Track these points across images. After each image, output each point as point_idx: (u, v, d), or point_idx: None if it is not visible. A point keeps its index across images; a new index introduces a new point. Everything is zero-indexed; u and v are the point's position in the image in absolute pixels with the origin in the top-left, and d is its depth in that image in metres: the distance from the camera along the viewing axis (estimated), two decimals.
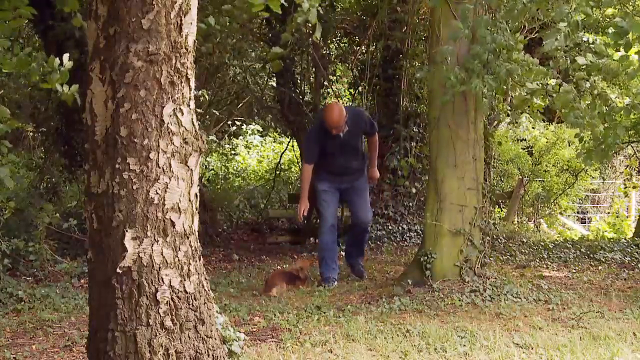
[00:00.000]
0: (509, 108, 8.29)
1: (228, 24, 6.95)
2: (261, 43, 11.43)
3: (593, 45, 5.77)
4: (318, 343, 4.76)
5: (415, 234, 9.90)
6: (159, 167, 3.35)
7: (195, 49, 3.53)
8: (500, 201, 12.13)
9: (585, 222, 15.48)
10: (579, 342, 4.75)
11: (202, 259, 3.57)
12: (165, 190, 3.37)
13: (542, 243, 9.53)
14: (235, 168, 16.36)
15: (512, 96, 7.38)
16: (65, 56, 4.51)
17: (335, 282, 6.99)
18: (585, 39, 5.86)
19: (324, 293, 6.58)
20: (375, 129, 7.31)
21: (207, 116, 12.85)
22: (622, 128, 6.18)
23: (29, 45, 10.66)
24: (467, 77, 5.84)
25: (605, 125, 6.14)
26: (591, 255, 8.47)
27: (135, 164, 3.32)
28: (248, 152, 17.16)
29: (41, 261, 7.49)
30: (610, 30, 5.51)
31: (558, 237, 12.09)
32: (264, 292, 6.67)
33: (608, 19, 6.02)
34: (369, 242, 9.78)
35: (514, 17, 5.52)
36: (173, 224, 3.39)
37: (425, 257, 6.43)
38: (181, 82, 3.41)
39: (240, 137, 17.34)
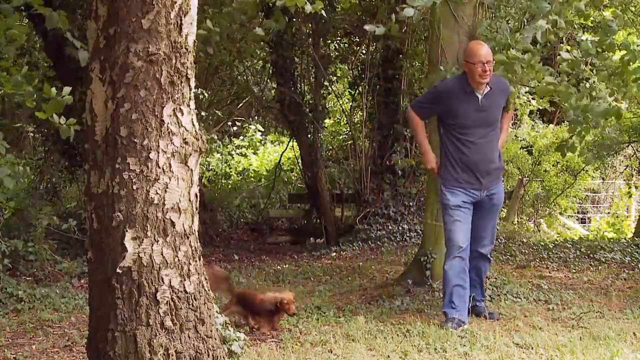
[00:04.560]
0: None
1: (228, 25, 6.93)
2: (262, 43, 11.44)
3: (581, 42, 5.76)
4: (318, 343, 4.75)
5: (415, 234, 9.90)
6: (159, 167, 3.35)
7: (195, 51, 3.53)
8: None
9: (585, 222, 15.46)
10: (579, 342, 4.75)
11: (202, 259, 3.57)
12: (165, 190, 3.37)
13: (542, 243, 9.52)
14: (235, 167, 16.36)
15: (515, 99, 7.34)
16: (66, 89, 4.47)
17: (464, 325, 5.17)
18: (584, 38, 5.83)
19: (324, 293, 6.58)
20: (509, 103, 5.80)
21: (208, 116, 12.85)
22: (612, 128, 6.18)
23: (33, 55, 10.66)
24: None
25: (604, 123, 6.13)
26: (591, 255, 8.46)
27: (135, 164, 3.32)
28: (251, 151, 17.15)
29: (41, 261, 7.50)
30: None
31: (558, 237, 12.08)
32: (224, 309, 5.14)
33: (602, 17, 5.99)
34: (369, 242, 9.77)
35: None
36: (173, 224, 3.39)
37: (425, 257, 6.43)
38: (181, 82, 3.41)
39: (241, 137, 17.35)
